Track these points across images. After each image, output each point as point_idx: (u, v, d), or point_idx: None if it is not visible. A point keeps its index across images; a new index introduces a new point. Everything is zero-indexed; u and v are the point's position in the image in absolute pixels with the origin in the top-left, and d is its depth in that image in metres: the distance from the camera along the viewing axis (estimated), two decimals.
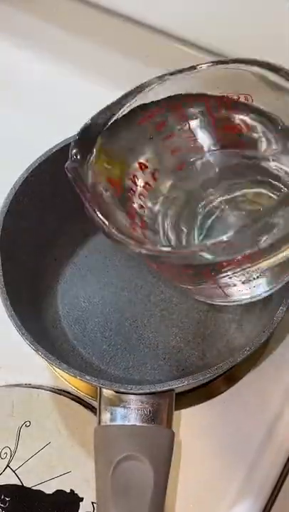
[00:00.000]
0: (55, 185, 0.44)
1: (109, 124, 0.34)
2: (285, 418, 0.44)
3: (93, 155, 0.34)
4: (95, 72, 0.58)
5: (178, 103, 0.36)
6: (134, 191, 0.36)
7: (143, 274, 0.46)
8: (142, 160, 0.36)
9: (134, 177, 0.36)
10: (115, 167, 0.36)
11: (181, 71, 0.35)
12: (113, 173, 0.35)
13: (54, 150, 0.43)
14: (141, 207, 0.36)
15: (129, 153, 0.37)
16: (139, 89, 0.35)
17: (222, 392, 0.45)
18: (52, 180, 0.43)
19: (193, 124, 0.37)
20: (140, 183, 0.36)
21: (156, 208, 0.37)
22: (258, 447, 0.43)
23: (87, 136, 0.34)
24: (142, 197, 0.36)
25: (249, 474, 0.43)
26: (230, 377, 0.45)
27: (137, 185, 0.36)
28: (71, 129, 0.43)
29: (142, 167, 0.36)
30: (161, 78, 0.35)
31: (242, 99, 0.35)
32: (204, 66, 0.35)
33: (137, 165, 0.36)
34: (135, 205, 0.36)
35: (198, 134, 0.37)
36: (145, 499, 0.35)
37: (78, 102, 0.54)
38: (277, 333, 0.46)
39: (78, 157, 0.33)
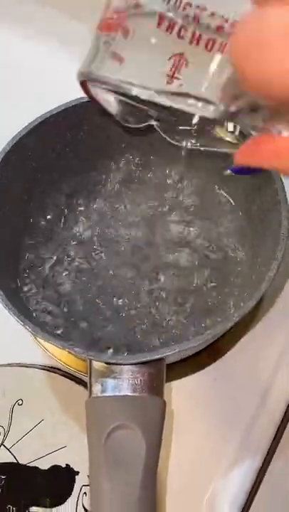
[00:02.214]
0: (38, 158, 0.44)
1: None
2: (277, 382, 0.44)
3: None
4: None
5: None
6: None
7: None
8: None
9: None
10: None
11: None
12: None
13: (35, 123, 0.42)
14: None
15: None
16: None
17: (214, 361, 0.45)
18: (34, 153, 0.43)
19: None
20: None
21: None
22: (252, 412, 0.43)
23: None
24: None
25: (243, 439, 0.43)
26: (221, 346, 0.45)
27: None
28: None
29: None
30: None
31: None
32: None
33: None
34: None
35: None
36: (138, 468, 0.35)
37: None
38: (268, 297, 0.46)
39: None
